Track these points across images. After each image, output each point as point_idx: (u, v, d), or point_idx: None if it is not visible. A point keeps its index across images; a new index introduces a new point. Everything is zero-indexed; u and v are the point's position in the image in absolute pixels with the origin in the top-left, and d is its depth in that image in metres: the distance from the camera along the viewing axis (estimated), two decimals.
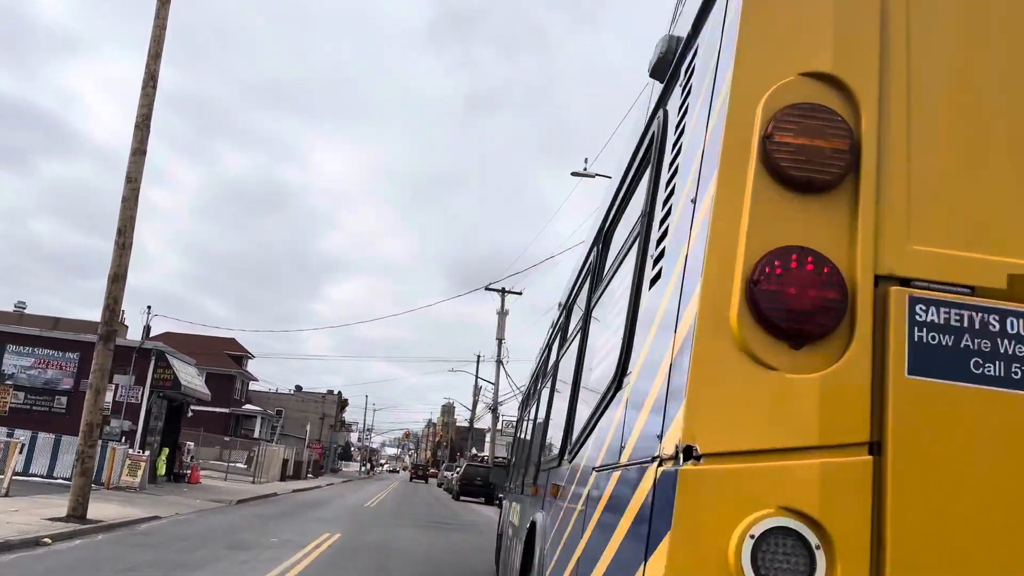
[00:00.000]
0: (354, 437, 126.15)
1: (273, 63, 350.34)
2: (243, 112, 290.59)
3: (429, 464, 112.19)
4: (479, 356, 67.08)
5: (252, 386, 73.62)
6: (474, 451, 76.02)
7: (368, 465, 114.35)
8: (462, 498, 44.34)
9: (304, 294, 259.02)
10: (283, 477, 44.51)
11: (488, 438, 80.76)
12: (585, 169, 19.96)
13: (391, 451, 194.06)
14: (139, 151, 16.20)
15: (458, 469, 55.41)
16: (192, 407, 37.45)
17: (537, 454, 5.88)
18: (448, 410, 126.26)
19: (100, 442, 24.63)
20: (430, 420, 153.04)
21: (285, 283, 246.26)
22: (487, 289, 54.34)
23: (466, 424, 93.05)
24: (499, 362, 54.11)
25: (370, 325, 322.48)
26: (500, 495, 17.46)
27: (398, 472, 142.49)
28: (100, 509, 16.20)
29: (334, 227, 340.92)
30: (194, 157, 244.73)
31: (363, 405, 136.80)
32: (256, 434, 64.67)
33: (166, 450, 29.85)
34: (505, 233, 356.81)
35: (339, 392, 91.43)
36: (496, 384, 54.90)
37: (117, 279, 15.79)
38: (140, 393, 27.83)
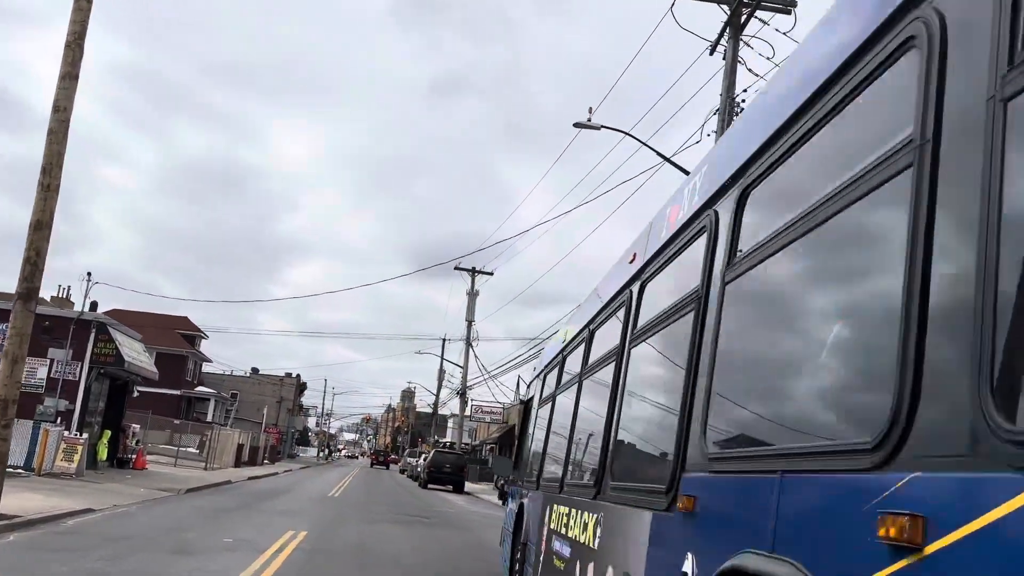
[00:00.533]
0: (312, 422, 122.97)
1: (233, 41, 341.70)
2: (201, 91, 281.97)
3: (389, 450, 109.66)
4: (445, 339, 64.62)
5: (206, 367, 70.41)
6: (436, 438, 73.64)
7: (327, 451, 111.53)
8: (430, 486, 42.15)
9: (263, 277, 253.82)
10: (238, 463, 41.92)
11: (451, 424, 78.49)
12: (589, 120, 17.67)
13: (349, 436, 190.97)
14: (69, 75, 13.50)
15: (423, 456, 53.14)
16: (139, 387, 34.67)
17: (676, 438, 3.56)
18: (409, 395, 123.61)
19: (33, 423, 22.00)
20: (389, 405, 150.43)
21: (244, 265, 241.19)
22: (457, 268, 51.94)
23: (426, 410, 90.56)
24: (468, 344, 51.85)
25: (331, 309, 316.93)
26: (506, 489, 15.05)
27: (357, 458, 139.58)
28: (21, 501, 13.84)
29: (295, 210, 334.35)
30: (151, 135, 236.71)
31: (322, 389, 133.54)
32: (209, 417, 61.77)
33: (108, 433, 27.21)
34: (468, 219, 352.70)
35: (297, 375, 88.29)
36: (465, 367, 52.59)
37: (41, 227, 13.10)
38: (78, 369, 25.18)
